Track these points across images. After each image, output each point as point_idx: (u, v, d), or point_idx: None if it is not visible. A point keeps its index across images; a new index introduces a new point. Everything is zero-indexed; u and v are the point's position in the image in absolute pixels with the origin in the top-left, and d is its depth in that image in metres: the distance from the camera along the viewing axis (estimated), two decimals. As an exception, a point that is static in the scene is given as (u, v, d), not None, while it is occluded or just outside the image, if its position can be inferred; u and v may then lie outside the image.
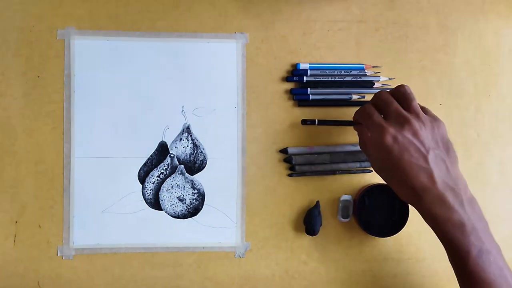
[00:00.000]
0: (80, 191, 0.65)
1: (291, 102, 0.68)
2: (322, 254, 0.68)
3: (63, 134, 0.65)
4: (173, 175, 0.67)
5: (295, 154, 0.67)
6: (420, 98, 0.69)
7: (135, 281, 0.66)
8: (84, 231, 0.65)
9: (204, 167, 0.67)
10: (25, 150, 0.65)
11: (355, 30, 0.69)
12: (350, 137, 0.68)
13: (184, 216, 0.67)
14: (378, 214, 0.66)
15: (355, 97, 0.68)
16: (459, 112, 0.70)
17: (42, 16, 0.65)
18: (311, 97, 0.67)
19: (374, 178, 0.68)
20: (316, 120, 0.64)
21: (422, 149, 0.54)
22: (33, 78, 0.65)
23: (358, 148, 0.66)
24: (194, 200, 0.67)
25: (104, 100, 0.66)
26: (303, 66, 0.67)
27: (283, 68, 0.68)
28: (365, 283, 0.68)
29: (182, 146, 0.67)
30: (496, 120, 0.70)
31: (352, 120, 0.62)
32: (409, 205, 0.65)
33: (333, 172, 0.68)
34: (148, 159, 0.66)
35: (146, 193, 0.66)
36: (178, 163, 0.67)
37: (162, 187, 0.66)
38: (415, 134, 0.55)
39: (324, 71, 0.67)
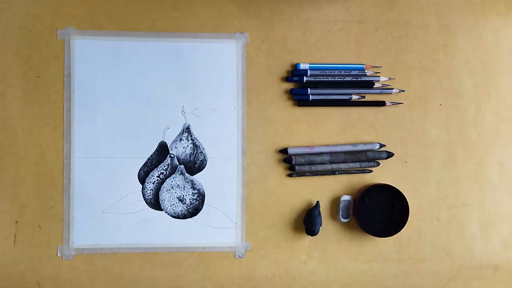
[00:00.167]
0: (80, 191, 0.65)
1: (291, 102, 0.68)
2: (322, 254, 0.68)
3: (63, 134, 0.65)
4: (173, 175, 0.67)
5: (295, 154, 0.67)
6: (420, 98, 0.69)
7: (135, 281, 0.66)
8: (84, 231, 0.65)
9: (204, 167, 0.67)
10: (25, 150, 0.65)
11: (355, 30, 0.69)
12: (350, 137, 0.68)
13: (184, 216, 0.67)
14: (378, 214, 0.66)
15: (355, 97, 0.68)
16: (459, 112, 0.70)
17: (42, 16, 0.65)
18: (311, 97, 0.67)
19: (374, 178, 0.68)
20: None
21: None
22: (33, 78, 0.65)
23: (358, 148, 0.66)
24: (194, 200, 0.67)
25: (104, 100, 0.66)
26: (303, 66, 0.67)
27: (283, 68, 0.68)
28: (365, 283, 0.68)
29: (182, 146, 0.67)
30: (496, 120, 0.70)
31: None
32: (409, 205, 0.65)
33: (333, 172, 0.68)
34: (148, 159, 0.66)
35: (146, 193, 0.66)
36: (178, 163, 0.67)
37: (162, 187, 0.66)
38: None
39: (324, 71, 0.67)
